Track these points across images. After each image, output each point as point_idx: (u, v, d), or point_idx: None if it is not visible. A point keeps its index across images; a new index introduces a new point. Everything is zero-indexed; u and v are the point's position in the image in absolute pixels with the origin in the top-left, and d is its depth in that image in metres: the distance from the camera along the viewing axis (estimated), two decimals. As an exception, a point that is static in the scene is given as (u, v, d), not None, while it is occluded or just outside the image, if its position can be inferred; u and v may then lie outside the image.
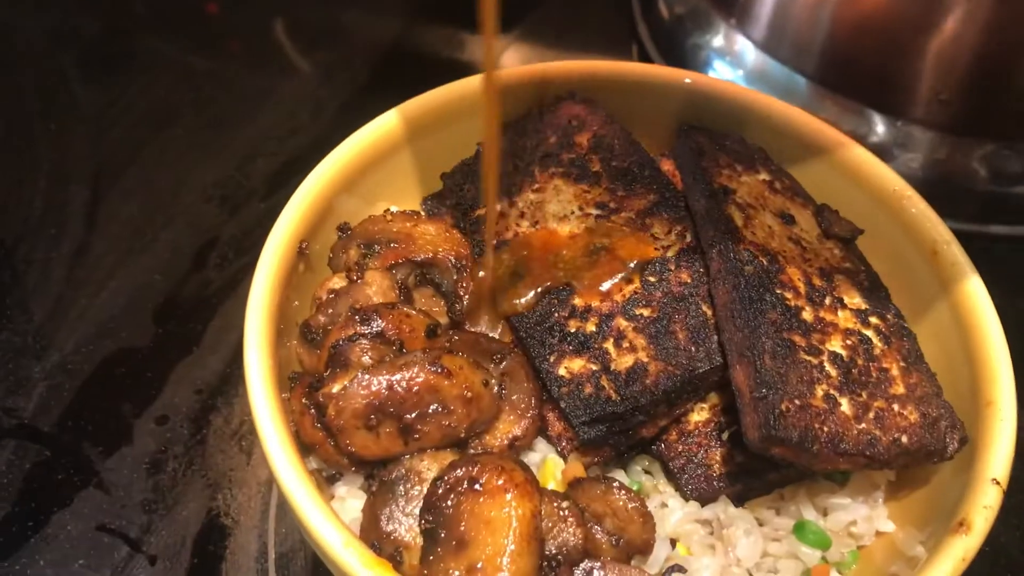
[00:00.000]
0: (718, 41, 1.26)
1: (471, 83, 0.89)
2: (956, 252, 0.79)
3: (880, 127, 1.16)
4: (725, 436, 0.74)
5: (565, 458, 0.74)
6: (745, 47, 1.23)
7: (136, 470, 0.94)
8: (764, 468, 0.72)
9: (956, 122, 1.13)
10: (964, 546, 0.63)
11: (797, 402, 0.66)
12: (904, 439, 0.68)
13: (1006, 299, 1.10)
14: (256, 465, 0.95)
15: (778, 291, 0.71)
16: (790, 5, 1.17)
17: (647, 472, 0.77)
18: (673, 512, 0.72)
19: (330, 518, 0.63)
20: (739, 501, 0.74)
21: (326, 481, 0.74)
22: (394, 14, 1.45)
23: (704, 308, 0.74)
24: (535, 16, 1.44)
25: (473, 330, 0.79)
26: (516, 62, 1.40)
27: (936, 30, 1.07)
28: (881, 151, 1.16)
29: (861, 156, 0.85)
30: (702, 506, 0.73)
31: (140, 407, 0.98)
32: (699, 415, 0.75)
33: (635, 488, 0.74)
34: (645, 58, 1.36)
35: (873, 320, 0.75)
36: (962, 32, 1.06)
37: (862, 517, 0.74)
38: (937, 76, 1.10)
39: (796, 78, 1.20)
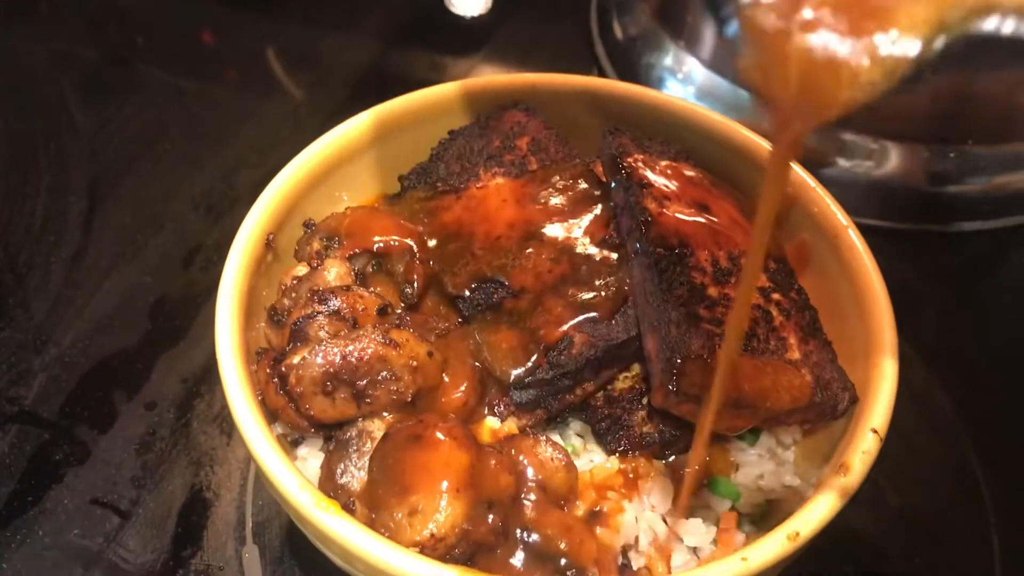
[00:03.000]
0: (668, 61, 1.36)
1: (426, 93, 1.00)
2: (854, 236, 0.88)
3: (817, 134, 1.26)
4: (646, 401, 0.83)
5: (503, 420, 0.83)
6: (694, 66, 1.33)
7: (127, 450, 1.03)
8: (680, 428, 0.81)
9: (886, 127, 1.23)
10: (842, 484, 0.72)
11: (697, 364, 0.75)
12: (796, 396, 0.77)
13: (933, 287, 1.20)
14: (235, 445, 1.04)
15: (686, 271, 0.80)
16: (732, 28, 1.27)
17: (579, 435, 0.86)
18: (598, 465, 0.81)
19: (288, 466, 0.72)
20: (659, 457, 0.83)
21: (291, 445, 0.83)
22: (372, 39, 1.55)
23: (623, 286, 0.83)
24: (501, 35, 1.55)
25: (423, 312, 0.88)
26: (487, 73, 1.50)
27: (858, 43, 1.17)
28: (820, 156, 1.26)
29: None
30: (624, 460, 0.81)
31: (131, 394, 1.07)
32: (624, 383, 0.84)
33: (568, 449, 0.83)
34: (603, 75, 1.46)
35: (775, 296, 0.84)
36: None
37: (769, 472, 0.83)
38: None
39: (740, 93, 1.30)
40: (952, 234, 1.26)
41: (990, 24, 1.12)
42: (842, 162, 1.25)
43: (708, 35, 1.32)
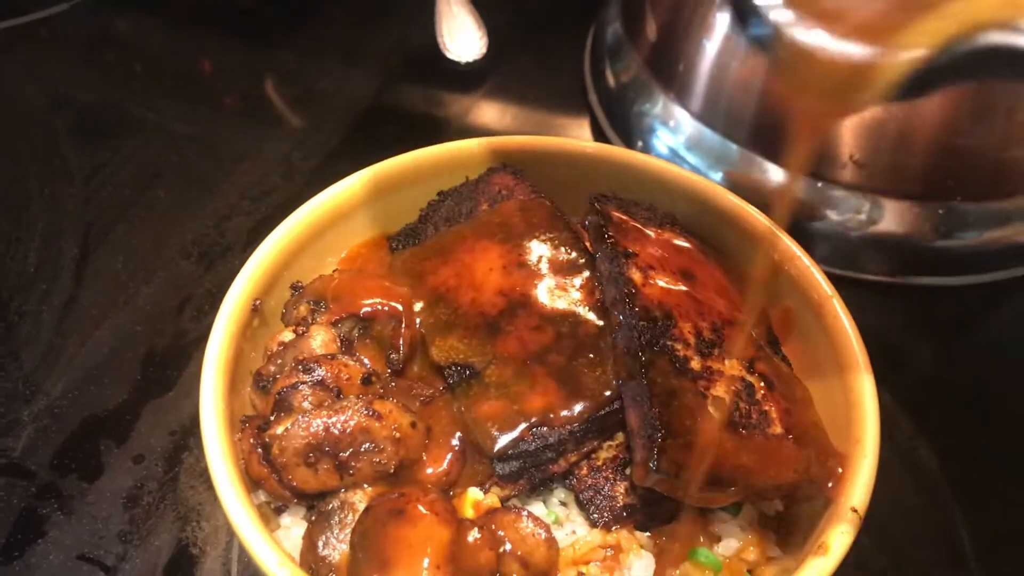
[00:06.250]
0: (659, 110, 1.37)
1: (417, 155, 1.01)
2: (837, 306, 0.89)
3: (805, 188, 1.27)
4: (628, 471, 0.83)
5: (487, 491, 0.83)
6: (683, 117, 1.34)
7: (114, 504, 1.03)
8: (662, 499, 0.81)
9: (875, 184, 1.24)
10: (821, 566, 0.72)
11: (679, 441, 0.75)
12: (779, 473, 0.78)
13: (920, 341, 1.21)
14: (222, 500, 1.04)
15: (669, 343, 0.81)
16: (721, 82, 1.28)
17: (563, 503, 0.86)
18: (580, 539, 0.81)
19: (268, 542, 0.72)
20: (642, 528, 0.83)
21: (274, 512, 0.84)
22: (368, 83, 1.56)
23: (608, 356, 0.84)
24: (496, 81, 1.56)
25: (409, 378, 0.89)
26: (481, 119, 1.51)
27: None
28: (807, 210, 1.27)
29: (758, 222, 0.95)
30: (607, 533, 0.82)
31: (119, 447, 1.07)
32: (607, 452, 0.85)
33: (551, 517, 0.83)
34: (595, 122, 1.47)
35: (759, 367, 0.84)
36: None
37: (752, 544, 0.83)
38: (852, 140, 1.21)
39: (729, 145, 1.30)
40: (940, 288, 1.27)
41: (979, 74, 1.13)
42: (832, 216, 1.26)
43: (698, 87, 1.33)
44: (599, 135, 1.46)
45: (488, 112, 1.52)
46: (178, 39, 1.64)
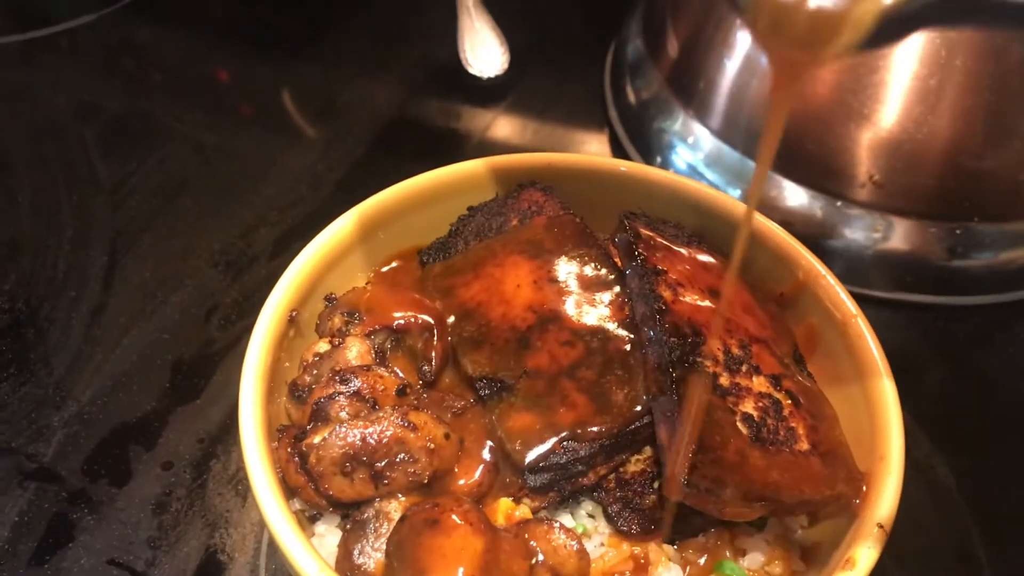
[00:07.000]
0: (678, 127, 1.39)
1: (447, 171, 1.03)
2: (862, 326, 0.90)
3: (823, 207, 1.28)
4: (657, 485, 0.85)
5: (518, 501, 0.85)
6: (702, 134, 1.36)
7: (143, 510, 1.05)
8: (690, 513, 0.83)
9: (892, 204, 1.26)
10: (849, 580, 0.74)
11: (710, 456, 0.77)
12: (806, 489, 0.79)
13: (937, 360, 1.23)
14: (250, 507, 1.05)
15: (698, 360, 0.82)
16: (741, 99, 1.30)
17: (591, 516, 0.87)
18: (609, 551, 0.83)
19: (308, 550, 0.74)
20: (669, 542, 0.84)
21: (308, 520, 0.85)
22: (391, 96, 1.58)
23: (638, 371, 0.85)
24: (517, 96, 1.58)
25: (441, 389, 0.90)
26: (501, 133, 1.53)
27: (868, 123, 1.20)
28: (825, 228, 1.29)
29: (783, 240, 0.97)
30: (635, 546, 0.83)
31: (148, 453, 1.09)
32: (635, 466, 0.86)
33: (580, 529, 0.85)
34: (615, 138, 1.49)
35: (786, 384, 0.86)
36: (890, 123, 1.19)
37: (777, 558, 0.85)
38: (871, 161, 1.22)
39: (748, 162, 1.32)
40: (957, 307, 1.29)
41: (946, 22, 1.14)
42: (848, 234, 1.27)
43: (718, 104, 1.35)
44: (618, 151, 1.48)
45: (508, 127, 1.54)
46: (200, 51, 1.66)
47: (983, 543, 1.06)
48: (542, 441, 0.82)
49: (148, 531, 1.03)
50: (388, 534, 0.78)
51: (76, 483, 1.07)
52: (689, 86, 1.39)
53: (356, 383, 0.84)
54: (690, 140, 1.39)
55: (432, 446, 0.81)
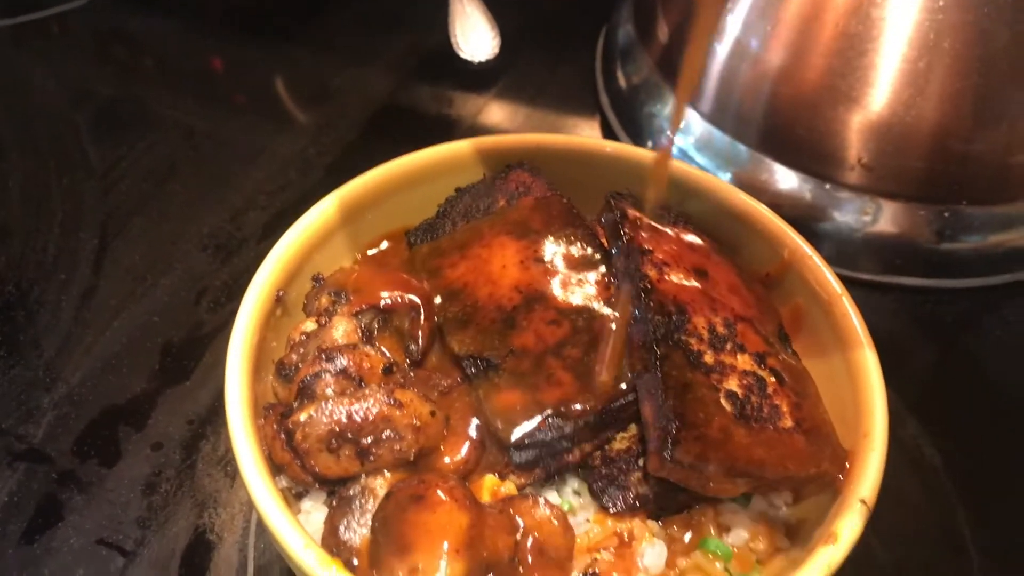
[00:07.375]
0: (669, 111, 1.39)
1: (435, 152, 1.03)
2: (847, 304, 0.91)
3: (812, 190, 1.29)
4: (642, 462, 0.85)
5: (503, 478, 0.85)
6: (693, 118, 1.36)
7: (133, 491, 1.05)
8: (675, 489, 0.83)
9: (881, 187, 1.26)
10: (830, 555, 0.74)
11: (693, 432, 0.77)
12: (790, 466, 0.80)
13: (924, 342, 1.23)
14: (238, 488, 1.06)
15: (683, 338, 0.83)
16: (731, 84, 1.30)
17: (576, 493, 0.88)
18: (594, 527, 0.83)
19: (294, 526, 0.74)
20: (654, 517, 0.85)
21: (295, 497, 0.85)
22: (382, 81, 1.58)
23: (623, 349, 0.86)
24: (508, 80, 1.58)
25: (427, 368, 0.91)
26: (493, 118, 1.53)
27: (857, 105, 1.20)
28: (814, 211, 1.29)
29: (769, 220, 0.97)
30: (619, 522, 0.84)
31: (137, 435, 1.10)
32: (620, 443, 0.86)
33: (565, 506, 0.85)
34: (606, 123, 1.49)
35: (770, 362, 0.86)
36: (879, 105, 1.19)
37: (761, 534, 0.85)
38: (860, 143, 1.23)
39: (739, 147, 1.32)
40: (946, 290, 1.29)
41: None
42: (838, 217, 1.28)
43: (708, 88, 1.35)
44: (609, 135, 1.48)
45: (500, 111, 1.55)
46: (191, 37, 1.67)
47: (968, 523, 1.06)
48: (527, 418, 0.83)
49: (137, 511, 1.04)
50: (374, 510, 0.79)
51: (66, 464, 1.07)
52: (680, 70, 1.39)
53: (342, 361, 0.84)
54: (680, 124, 1.39)
55: (418, 423, 0.81)
